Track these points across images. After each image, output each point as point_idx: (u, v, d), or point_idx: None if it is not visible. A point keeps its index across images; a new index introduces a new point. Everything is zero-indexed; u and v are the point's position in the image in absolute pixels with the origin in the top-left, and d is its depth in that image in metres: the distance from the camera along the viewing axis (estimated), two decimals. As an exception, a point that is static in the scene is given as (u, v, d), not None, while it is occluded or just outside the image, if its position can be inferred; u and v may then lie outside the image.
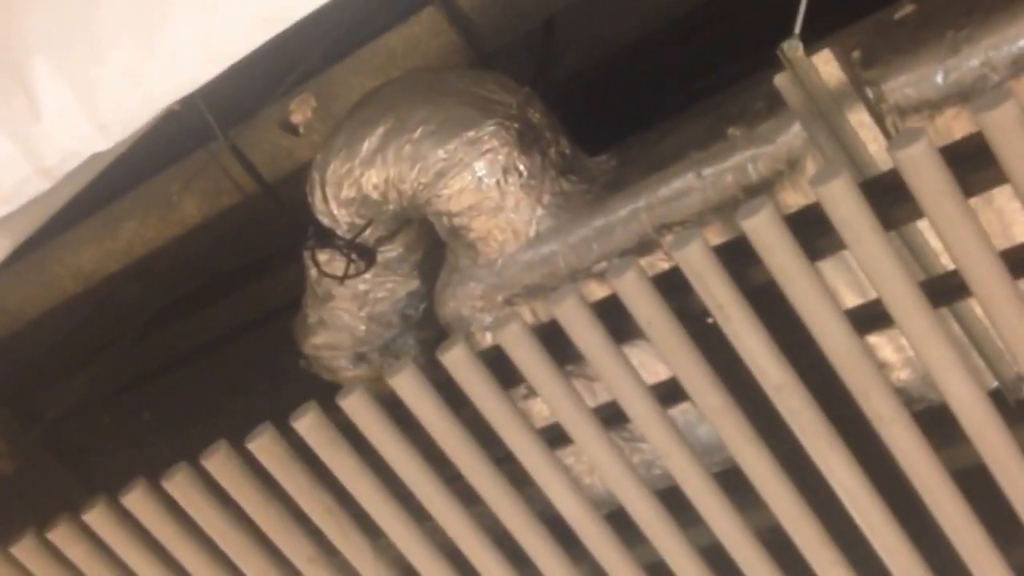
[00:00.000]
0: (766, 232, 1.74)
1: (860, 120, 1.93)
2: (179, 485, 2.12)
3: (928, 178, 1.65)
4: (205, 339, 3.27)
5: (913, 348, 1.74)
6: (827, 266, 1.90)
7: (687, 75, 2.64)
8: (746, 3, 2.62)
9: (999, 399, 1.92)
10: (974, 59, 1.89)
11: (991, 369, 2.02)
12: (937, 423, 1.83)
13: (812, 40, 1.92)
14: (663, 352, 1.83)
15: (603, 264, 2.16)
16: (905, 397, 2.05)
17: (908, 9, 2.06)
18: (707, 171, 2.08)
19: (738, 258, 1.80)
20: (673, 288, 1.84)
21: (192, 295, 3.24)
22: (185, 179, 2.99)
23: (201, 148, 2.86)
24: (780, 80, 1.93)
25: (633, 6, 2.81)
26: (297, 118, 2.87)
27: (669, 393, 1.94)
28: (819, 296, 1.74)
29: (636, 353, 1.97)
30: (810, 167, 1.99)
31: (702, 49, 2.72)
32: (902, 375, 2.11)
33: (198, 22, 1.95)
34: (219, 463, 2.10)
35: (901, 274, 1.72)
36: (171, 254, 3.20)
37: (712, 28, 2.73)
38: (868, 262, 1.71)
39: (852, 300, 1.99)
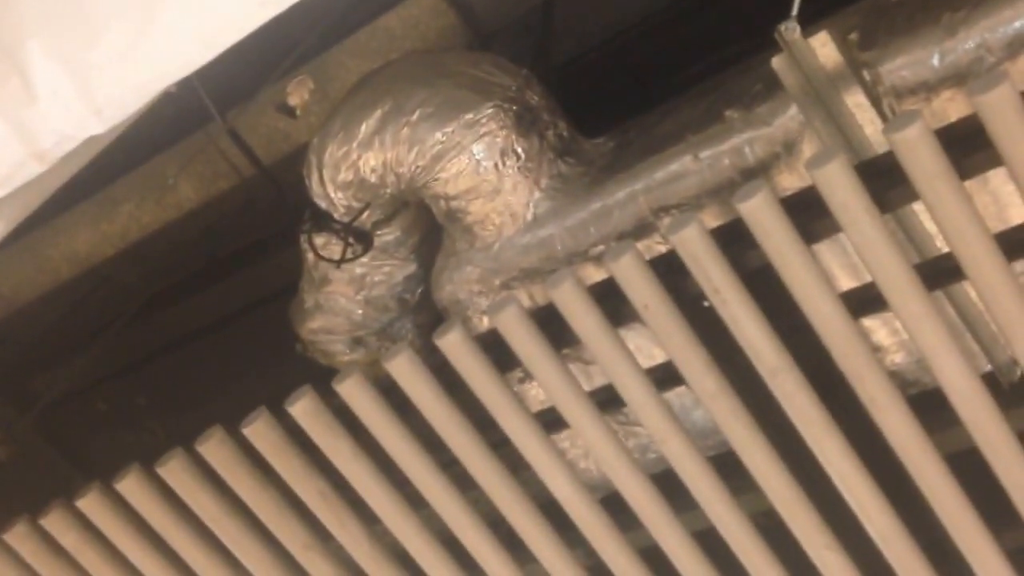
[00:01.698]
0: (762, 215, 1.73)
1: (856, 102, 1.92)
2: (173, 471, 2.12)
3: (923, 161, 1.64)
4: (201, 323, 3.26)
5: (907, 331, 1.73)
6: (823, 249, 1.90)
7: (686, 57, 2.63)
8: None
9: (993, 382, 1.92)
10: (970, 41, 1.88)
11: (985, 352, 2.01)
12: (931, 407, 1.83)
13: (810, 22, 1.92)
14: (659, 336, 1.83)
15: (600, 247, 2.16)
16: (900, 381, 2.05)
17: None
18: (704, 154, 2.07)
19: (735, 241, 1.80)
20: (670, 271, 1.83)
21: (188, 279, 3.23)
22: (182, 162, 2.98)
23: (198, 131, 2.86)
24: (777, 62, 1.92)
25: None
26: (294, 100, 2.87)
27: (665, 377, 1.94)
28: (814, 279, 1.73)
29: (633, 336, 1.97)
30: (807, 150, 1.98)
31: (702, 31, 2.71)
32: (897, 358, 2.11)
33: (195, 4, 1.95)
34: (214, 449, 2.10)
35: (896, 257, 1.71)
36: (167, 238, 3.20)
37: (711, 9, 2.72)
38: (863, 245, 1.71)
39: (848, 283, 1.99)
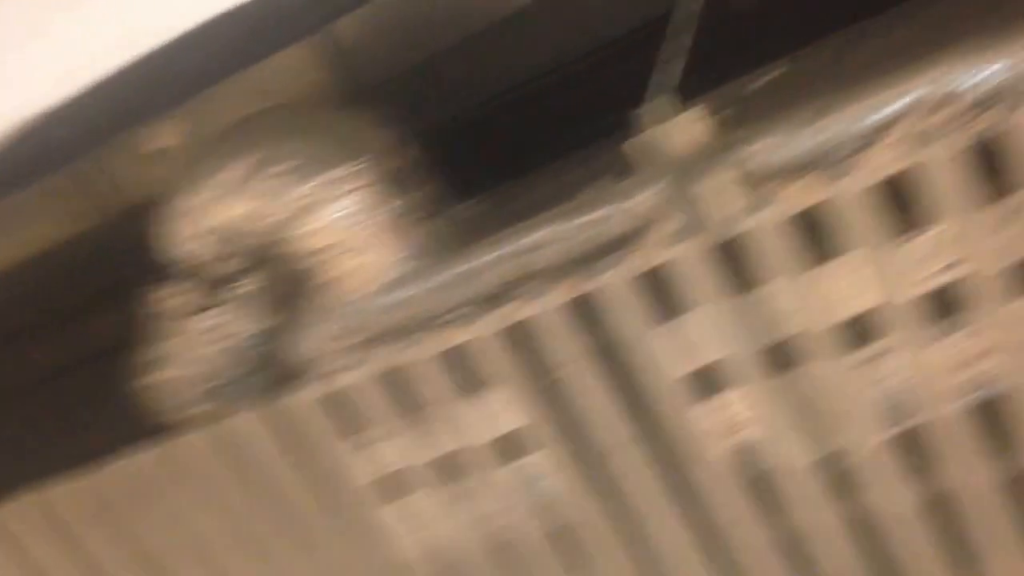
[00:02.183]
0: (617, 290, 1.75)
1: (719, 183, 1.95)
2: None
3: (777, 244, 1.68)
4: (40, 374, 3.16)
5: (749, 413, 1.75)
6: (676, 325, 1.90)
7: (568, 122, 2.65)
8: (635, 53, 2.64)
9: (830, 467, 1.93)
10: (834, 127, 1.92)
11: (823, 438, 2.03)
12: (770, 489, 1.84)
13: (682, 98, 1.94)
14: (509, 404, 1.82)
15: (462, 311, 2.14)
16: (741, 461, 2.05)
17: (775, 73, 2.09)
18: (568, 224, 2.07)
19: (590, 313, 1.81)
20: (527, 339, 1.83)
21: (38, 321, 3.13)
22: (43, 201, 2.90)
23: (60, 170, 2.78)
24: (644, 138, 1.95)
25: (520, 51, 2.82)
26: (163, 144, 2.81)
27: (517, 444, 1.92)
28: (662, 356, 1.75)
29: (488, 402, 1.95)
30: (667, 227, 1.99)
31: (586, 97, 2.73)
32: (740, 439, 2.12)
33: (57, 39, 1.91)
34: (19, 512, 2.02)
35: (744, 338, 1.74)
36: (23, 277, 3.09)
37: (599, 75, 2.75)
38: (713, 324, 1.73)
39: (702, 360, 1.99)
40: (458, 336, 2.00)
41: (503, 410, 1.90)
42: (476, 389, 1.88)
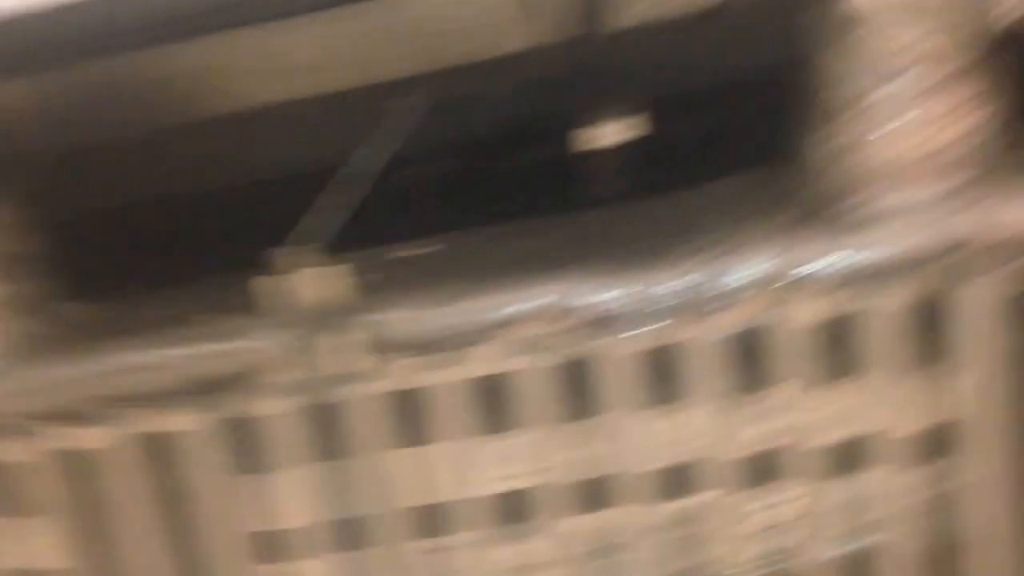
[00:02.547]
0: (202, 433, 1.66)
1: (337, 344, 1.90)
2: None
3: (375, 418, 1.65)
4: None
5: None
6: (257, 481, 1.81)
7: (212, 247, 2.56)
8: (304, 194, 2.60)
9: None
10: (467, 314, 1.93)
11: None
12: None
13: (326, 251, 1.90)
14: (48, 538, 1.66)
15: (24, 423, 1.94)
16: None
17: (432, 248, 2.09)
18: (168, 352, 1.94)
19: (165, 452, 1.69)
20: (85, 468, 1.69)
21: None
22: None
23: None
24: (277, 281, 1.88)
25: (185, 161, 2.71)
26: None
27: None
28: (234, 512, 1.66)
29: (27, 531, 1.77)
30: (272, 377, 1.91)
31: (236, 226, 2.65)
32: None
33: None
34: None
35: (325, 507, 1.68)
36: None
37: (257, 207, 2.68)
38: (296, 487, 1.66)
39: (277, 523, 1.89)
40: (10, 450, 1.81)
41: (39, 543, 1.72)
42: (16, 513, 1.70)
